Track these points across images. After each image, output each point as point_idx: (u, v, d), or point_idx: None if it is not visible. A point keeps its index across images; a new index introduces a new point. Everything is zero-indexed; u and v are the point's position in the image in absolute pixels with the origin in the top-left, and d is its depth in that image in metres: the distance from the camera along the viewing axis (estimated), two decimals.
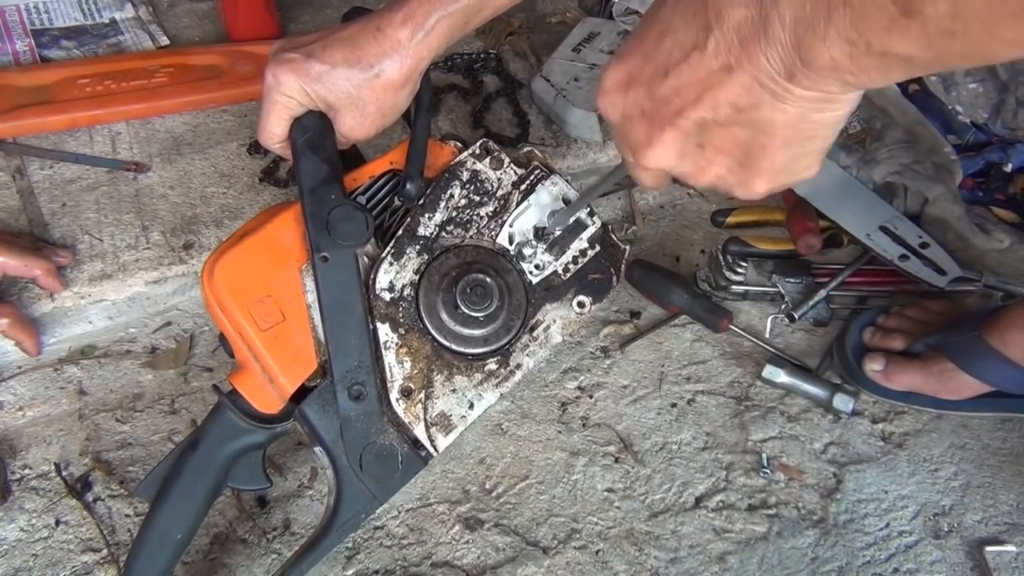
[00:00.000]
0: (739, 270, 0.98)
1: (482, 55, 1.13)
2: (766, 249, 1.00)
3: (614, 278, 0.77)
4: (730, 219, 1.06)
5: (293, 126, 0.70)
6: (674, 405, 0.92)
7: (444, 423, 0.71)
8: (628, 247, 0.78)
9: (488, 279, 0.72)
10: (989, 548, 0.83)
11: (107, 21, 1.11)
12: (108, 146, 0.98)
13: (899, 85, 1.06)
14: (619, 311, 0.99)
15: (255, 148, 1.00)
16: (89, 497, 0.80)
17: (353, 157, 0.78)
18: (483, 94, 1.09)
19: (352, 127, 0.70)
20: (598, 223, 0.76)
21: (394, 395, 0.69)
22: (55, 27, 1.08)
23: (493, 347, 0.73)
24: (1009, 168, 1.10)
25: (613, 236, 0.77)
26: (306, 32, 0.70)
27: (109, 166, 0.96)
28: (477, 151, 0.74)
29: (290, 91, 0.67)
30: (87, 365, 0.89)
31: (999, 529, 0.85)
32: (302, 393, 0.68)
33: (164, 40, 1.10)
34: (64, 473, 0.81)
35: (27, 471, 0.81)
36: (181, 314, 0.93)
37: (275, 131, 0.70)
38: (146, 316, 0.92)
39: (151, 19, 1.12)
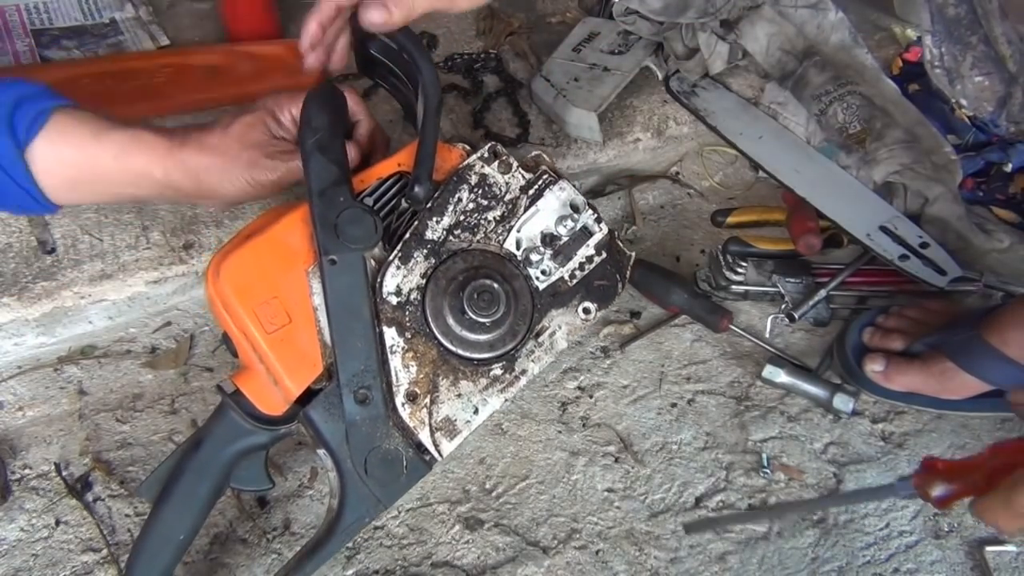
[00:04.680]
0: (739, 270, 0.98)
1: (482, 55, 1.13)
2: (766, 249, 1.00)
3: (620, 284, 0.77)
4: (730, 219, 1.06)
5: (301, 125, 0.70)
6: (674, 405, 0.92)
7: (449, 428, 0.70)
8: (634, 254, 0.78)
9: (495, 285, 0.71)
10: (989, 548, 0.83)
11: (107, 21, 1.10)
12: None
13: (899, 85, 1.06)
14: (619, 311, 0.99)
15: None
16: (89, 497, 0.80)
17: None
18: (483, 94, 1.09)
19: None
20: (605, 230, 0.76)
21: (399, 399, 0.69)
22: (55, 27, 1.08)
23: (499, 352, 0.72)
24: (1009, 168, 1.10)
25: (619, 243, 0.77)
26: None
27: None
28: (486, 154, 0.73)
29: None
30: (87, 365, 0.89)
31: None
32: (307, 396, 0.68)
33: (164, 40, 1.10)
34: (64, 473, 0.81)
35: (27, 471, 0.81)
36: (181, 314, 0.93)
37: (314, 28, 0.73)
38: (146, 316, 0.92)
39: (151, 19, 1.12)
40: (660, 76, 1.10)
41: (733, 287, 0.98)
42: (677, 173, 1.13)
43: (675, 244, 1.06)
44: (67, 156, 0.69)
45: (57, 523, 0.79)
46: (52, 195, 0.70)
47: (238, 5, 1.07)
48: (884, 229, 0.96)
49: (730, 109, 1.07)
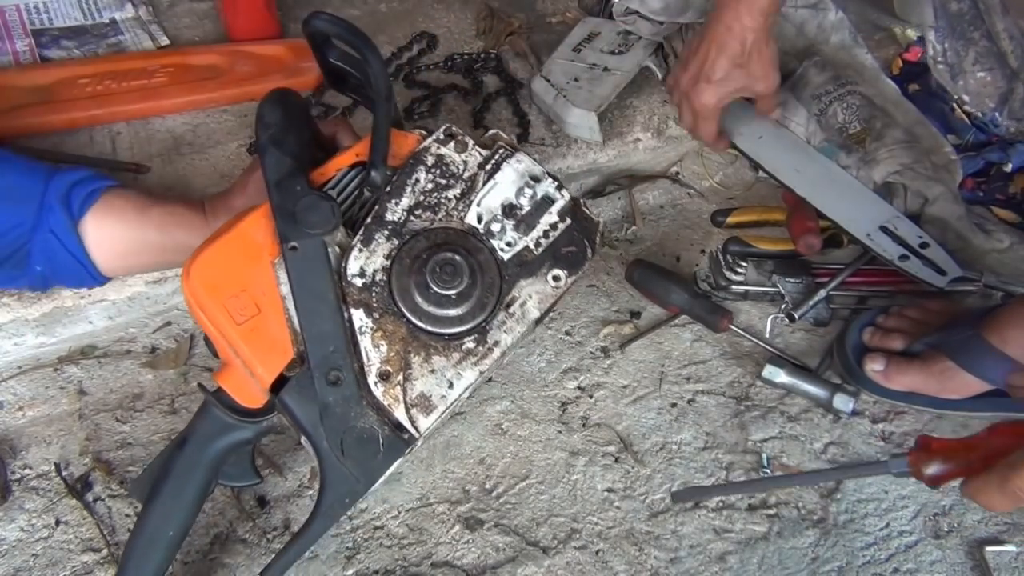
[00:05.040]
0: (739, 270, 0.98)
1: (482, 55, 1.13)
2: (766, 249, 1.00)
3: (589, 250, 0.77)
4: (730, 219, 1.06)
5: (256, 123, 0.72)
6: (674, 405, 0.92)
7: (424, 404, 0.71)
8: (602, 220, 0.78)
9: (457, 257, 0.72)
10: (989, 548, 0.83)
11: (107, 21, 1.11)
12: (108, 146, 0.98)
13: (899, 85, 1.06)
14: (619, 311, 0.99)
15: (255, 148, 1.00)
16: (89, 497, 0.80)
17: (332, 150, 0.79)
18: (483, 94, 1.09)
19: (767, 85, 0.93)
20: (567, 196, 0.76)
21: (372, 379, 0.69)
22: (55, 27, 1.08)
23: (469, 326, 0.73)
24: (1009, 168, 1.10)
25: (586, 209, 0.77)
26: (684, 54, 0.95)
27: (109, 166, 0.96)
28: (441, 136, 0.75)
29: (714, 109, 0.93)
30: (87, 365, 0.89)
31: (999, 529, 0.85)
32: (284, 384, 0.69)
33: (164, 40, 1.10)
34: (64, 473, 0.81)
35: (27, 471, 0.81)
36: (181, 314, 0.93)
37: (715, 132, 0.96)
38: (146, 316, 0.92)
39: (151, 19, 1.12)
40: (660, 76, 1.10)
41: (733, 287, 0.98)
42: (677, 173, 1.13)
43: (675, 244, 1.06)
44: (115, 229, 0.78)
45: (57, 523, 0.79)
46: (102, 266, 0.79)
47: (238, 5, 1.07)
48: (884, 229, 0.96)
49: (729, 109, 1.07)
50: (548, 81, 1.05)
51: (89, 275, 0.80)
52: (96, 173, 0.80)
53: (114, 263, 0.80)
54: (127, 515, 0.79)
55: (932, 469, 0.65)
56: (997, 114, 0.98)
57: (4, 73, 1.00)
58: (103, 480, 0.81)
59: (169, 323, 0.93)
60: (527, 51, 1.15)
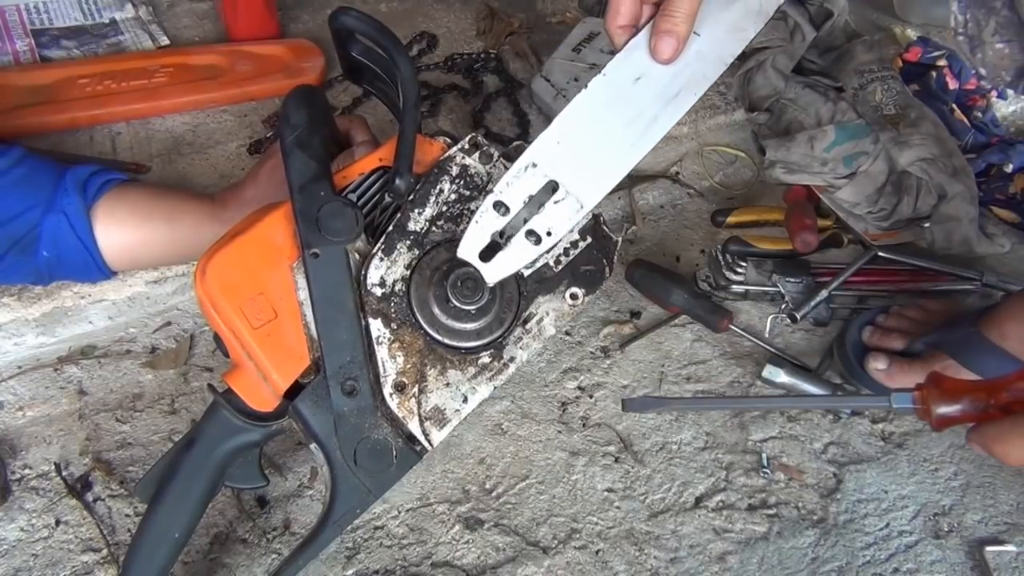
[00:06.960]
0: (739, 270, 0.98)
1: (482, 55, 1.13)
2: (766, 249, 1.00)
3: (607, 269, 0.76)
4: (730, 219, 1.06)
5: (281, 123, 0.71)
6: None
7: (438, 417, 0.70)
8: (620, 238, 0.78)
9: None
10: (989, 548, 0.83)
11: (107, 21, 1.11)
12: (108, 146, 0.98)
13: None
14: (619, 311, 0.99)
15: (255, 148, 1.00)
16: (89, 497, 0.80)
17: (345, 146, 0.79)
18: (483, 94, 1.10)
19: None
20: (589, 215, 0.76)
21: (387, 390, 0.69)
22: (55, 27, 1.08)
23: (486, 340, 0.72)
24: (1010, 169, 1.10)
25: (605, 227, 0.77)
26: None
27: (109, 166, 0.96)
28: (466, 146, 0.74)
29: None
30: (87, 365, 0.89)
31: (999, 529, 0.85)
32: (296, 390, 0.68)
33: (164, 40, 1.10)
34: (64, 473, 0.81)
35: (27, 471, 0.81)
36: (181, 314, 0.93)
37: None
38: (146, 316, 0.92)
39: (151, 19, 1.12)
40: None
41: (733, 287, 0.98)
42: (677, 173, 1.13)
43: (675, 244, 1.06)
44: (125, 217, 0.80)
45: (57, 523, 0.79)
46: (108, 256, 0.80)
47: (238, 5, 1.08)
48: None
49: None
50: (548, 81, 1.05)
51: (94, 263, 0.79)
52: (112, 170, 0.82)
53: (120, 253, 0.80)
54: (127, 515, 0.79)
55: (943, 408, 0.57)
56: (1013, 88, 0.96)
57: (4, 73, 1.00)
58: (103, 480, 0.81)
59: (169, 323, 0.93)
60: (527, 51, 1.15)
